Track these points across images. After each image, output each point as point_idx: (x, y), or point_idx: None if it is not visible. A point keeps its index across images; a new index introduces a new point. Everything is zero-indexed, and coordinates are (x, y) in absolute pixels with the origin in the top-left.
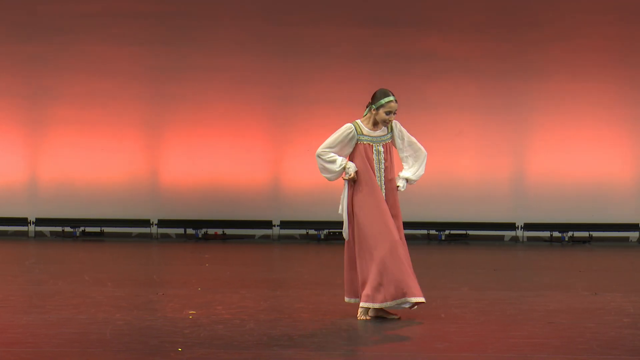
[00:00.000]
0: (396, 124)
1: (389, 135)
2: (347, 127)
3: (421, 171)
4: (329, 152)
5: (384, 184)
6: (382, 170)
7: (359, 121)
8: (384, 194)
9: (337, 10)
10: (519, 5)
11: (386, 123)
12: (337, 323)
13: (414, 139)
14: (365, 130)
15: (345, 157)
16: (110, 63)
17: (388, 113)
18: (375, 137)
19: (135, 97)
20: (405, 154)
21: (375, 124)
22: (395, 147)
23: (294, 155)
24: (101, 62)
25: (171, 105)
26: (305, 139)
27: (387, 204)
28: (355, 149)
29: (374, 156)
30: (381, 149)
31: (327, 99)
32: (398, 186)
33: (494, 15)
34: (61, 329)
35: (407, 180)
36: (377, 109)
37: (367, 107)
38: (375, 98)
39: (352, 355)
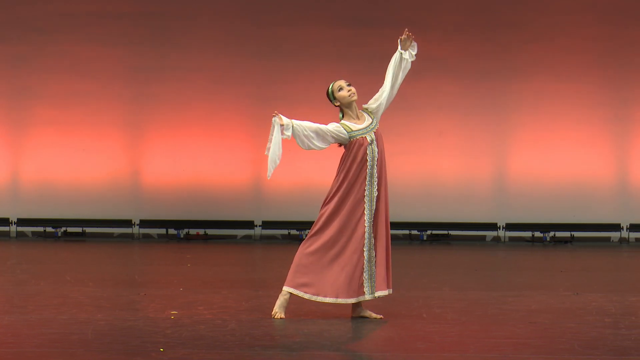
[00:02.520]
0: (369, 107)
1: (374, 121)
2: (334, 125)
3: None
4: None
5: (376, 179)
6: (375, 161)
7: (342, 122)
8: (375, 190)
9: (317, 11)
10: (499, 6)
11: (351, 97)
12: (319, 323)
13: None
14: (353, 126)
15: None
16: (91, 63)
17: (341, 89)
18: (364, 128)
19: (117, 97)
20: (383, 90)
21: (356, 117)
22: (383, 106)
23: None
24: (82, 62)
25: (152, 105)
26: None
27: (379, 205)
28: (350, 148)
29: (368, 146)
30: (373, 137)
31: (308, 99)
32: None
33: (474, 16)
34: (42, 329)
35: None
36: (335, 98)
37: (340, 113)
38: (328, 96)
39: (333, 355)
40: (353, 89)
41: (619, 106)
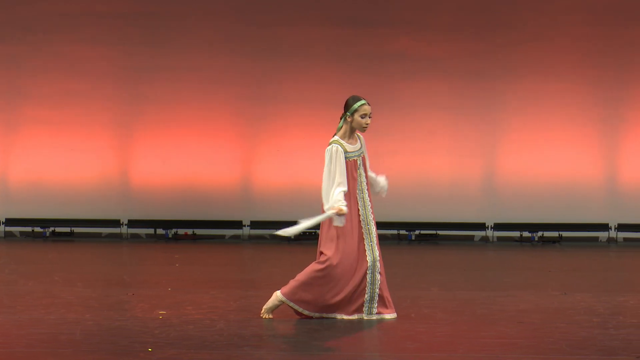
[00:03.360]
0: (361, 137)
1: (362, 149)
2: (336, 150)
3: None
4: (341, 190)
5: (367, 195)
6: (364, 184)
7: (336, 139)
8: (369, 206)
9: (309, 11)
10: (490, 6)
11: (363, 128)
12: (308, 323)
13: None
14: (348, 147)
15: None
16: (81, 63)
17: (363, 116)
18: (356, 151)
19: (106, 97)
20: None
21: (351, 137)
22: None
23: (264, 155)
24: (72, 63)
25: (142, 105)
26: (275, 139)
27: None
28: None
29: (358, 170)
30: (360, 162)
31: (299, 99)
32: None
33: (465, 16)
34: (31, 330)
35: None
36: (352, 114)
37: (340, 119)
38: (347, 105)
39: (322, 356)
40: (369, 124)
41: (608, 106)
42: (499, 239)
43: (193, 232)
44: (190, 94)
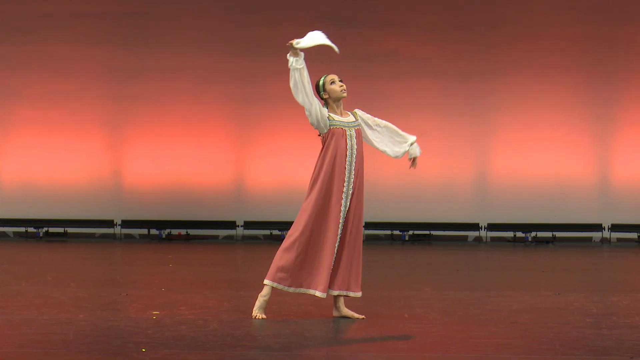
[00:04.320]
0: (358, 112)
1: (357, 122)
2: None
3: (404, 134)
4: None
5: (353, 175)
6: (354, 156)
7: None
8: (351, 187)
9: (299, 11)
10: (480, 7)
11: (341, 92)
12: (301, 323)
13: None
14: (336, 117)
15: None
16: (72, 63)
17: (333, 82)
18: (345, 121)
19: (98, 98)
20: (379, 136)
21: (340, 113)
22: (366, 136)
23: (257, 156)
24: (63, 63)
25: (134, 105)
26: (268, 139)
27: (352, 202)
28: (328, 139)
29: (347, 140)
30: (353, 133)
31: (290, 100)
32: (413, 158)
33: (456, 16)
34: (23, 330)
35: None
36: (325, 90)
37: (324, 103)
38: (317, 88)
39: (315, 356)
40: (344, 86)
41: (600, 106)
42: (493, 239)
43: (187, 232)
44: (182, 94)
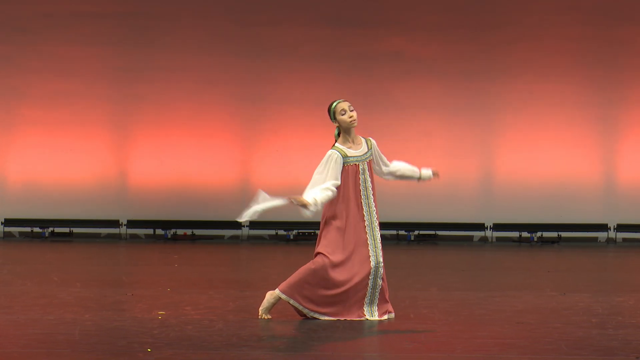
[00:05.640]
0: (372, 141)
1: (369, 153)
2: (336, 156)
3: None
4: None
5: (372, 202)
6: (370, 189)
7: (336, 145)
8: (374, 212)
9: (302, 11)
10: (484, 7)
11: (350, 123)
12: (306, 323)
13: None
14: (349, 151)
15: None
16: (76, 63)
17: (343, 113)
18: (359, 156)
19: (103, 98)
20: (387, 167)
21: (353, 141)
22: (374, 165)
23: (262, 156)
24: (67, 63)
25: (139, 105)
26: (272, 139)
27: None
28: (342, 174)
29: (360, 175)
30: (366, 167)
31: (294, 99)
32: (433, 174)
33: (459, 16)
34: (28, 330)
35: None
36: (335, 118)
37: (336, 130)
38: (329, 113)
39: (321, 356)
40: (354, 115)
41: (605, 106)
42: (498, 239)
43: (192, 232)
44: (186, 94)
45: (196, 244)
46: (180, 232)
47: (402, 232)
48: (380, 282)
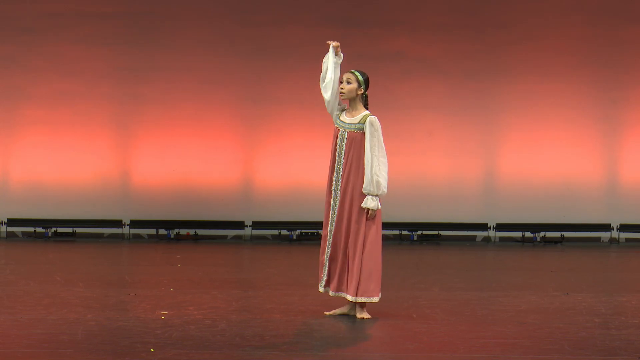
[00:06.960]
0: (369, 120)
1: (357, 126)
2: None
3: (370, 178)
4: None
5: (341, 181)
6: (342, 157)
7: (345, 107)
8: (339, 192)
9: (305, 11)
10: (487, 6)
11: (341, 94)
12: (309, 323)
13: (376, 143)
14: (343, 116)
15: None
16: (79, 63)
17: (341, 81)
18: (345, 123)
19: (105, 97)
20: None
21: (354, 109)
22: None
23: (265, 156)
24: (70, 63)
25: (141, 105)
26: (275, 139)
27: (343, 207)
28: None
29: (338, 140)
30: (345, 135)
31: (297, 99)
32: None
33: (462, 16)
34: (31, 330)
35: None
36: None
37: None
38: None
39: (323, 356)
40: (344, 89)
41: (608, 106)
42: (501, 239)
43: (195, 232)
44: (188, 94)
45: (199, 243)
46: (183, 232)
47: (405, 232)
48: (339, 253)
